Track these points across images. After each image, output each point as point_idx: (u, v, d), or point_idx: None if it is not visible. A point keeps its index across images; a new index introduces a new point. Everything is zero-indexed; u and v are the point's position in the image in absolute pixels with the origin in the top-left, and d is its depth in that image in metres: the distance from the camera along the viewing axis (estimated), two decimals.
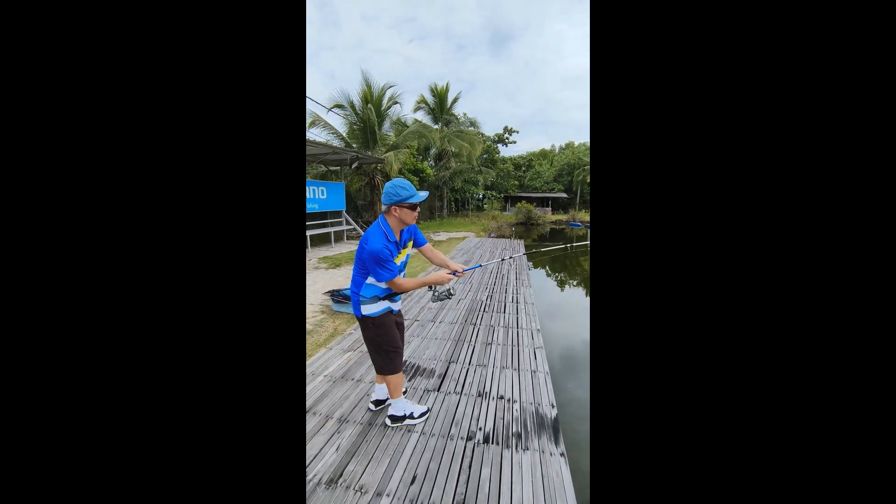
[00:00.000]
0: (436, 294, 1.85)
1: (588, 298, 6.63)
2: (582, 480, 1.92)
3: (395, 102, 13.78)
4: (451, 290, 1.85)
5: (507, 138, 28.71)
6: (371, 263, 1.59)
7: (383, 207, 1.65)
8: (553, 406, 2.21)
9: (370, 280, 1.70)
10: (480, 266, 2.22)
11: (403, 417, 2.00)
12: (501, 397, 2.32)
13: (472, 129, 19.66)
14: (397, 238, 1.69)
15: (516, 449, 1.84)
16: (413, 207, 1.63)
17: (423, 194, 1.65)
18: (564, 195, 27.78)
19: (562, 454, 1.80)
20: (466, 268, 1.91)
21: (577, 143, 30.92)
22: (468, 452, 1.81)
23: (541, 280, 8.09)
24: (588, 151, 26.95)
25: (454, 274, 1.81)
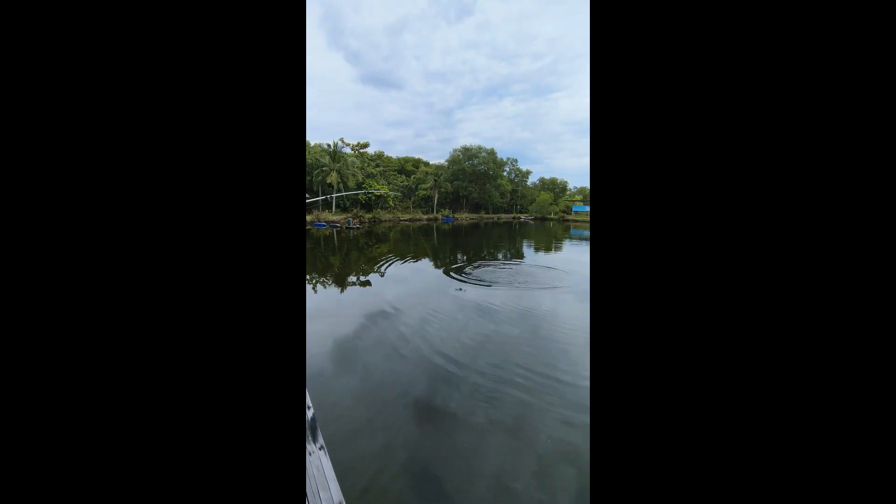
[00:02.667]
0: None
1: (340, 291, 6.97)
2: (342, 465, 2.07)
3: None
4: None
5: None
6: None
7: None
8: (309, 408, 2.21)
9: None
10: None
11: None
12: None
13: None
14: None
15: None
16: None
17: None
18: (307, 196, 27.19)
19: (321, 448, 1.86)
20: None
21: (312, 144, 30.86)
22: None
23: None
24: (325, 154, 27.67)
25: None
